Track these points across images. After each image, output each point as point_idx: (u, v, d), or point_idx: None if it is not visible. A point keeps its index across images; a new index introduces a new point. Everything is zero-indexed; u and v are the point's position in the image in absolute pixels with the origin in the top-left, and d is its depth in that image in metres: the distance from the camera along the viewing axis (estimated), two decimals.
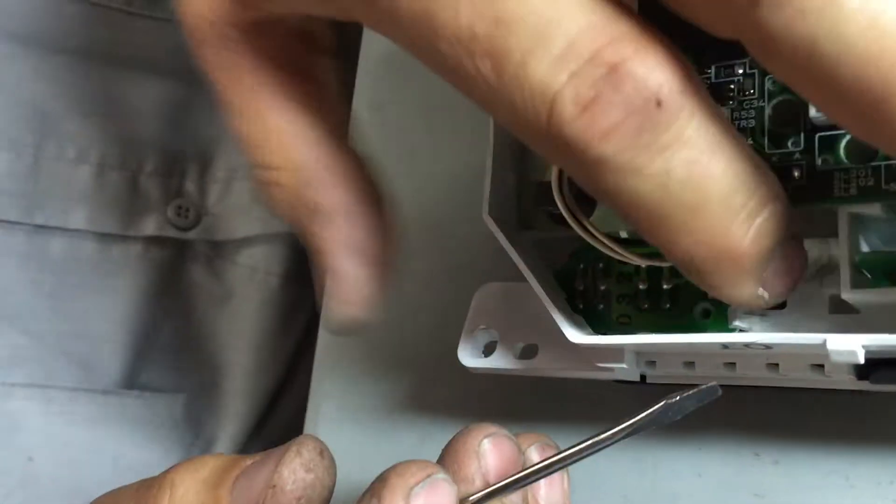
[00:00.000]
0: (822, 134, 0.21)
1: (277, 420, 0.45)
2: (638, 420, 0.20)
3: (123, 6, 0.42)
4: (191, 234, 0.43)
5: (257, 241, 0.45)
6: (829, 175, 0.21)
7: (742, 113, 0.22)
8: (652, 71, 0.17)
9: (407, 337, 0.34)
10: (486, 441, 0.21)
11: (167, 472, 0.22)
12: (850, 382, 0.22)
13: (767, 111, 0.22)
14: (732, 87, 0.23)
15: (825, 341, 0.20)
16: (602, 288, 0.25)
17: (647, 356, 0.24)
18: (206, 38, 0.23)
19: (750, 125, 0.22)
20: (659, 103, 0.17)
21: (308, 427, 0.35)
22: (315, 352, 0.36)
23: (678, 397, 0.20)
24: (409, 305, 0.34)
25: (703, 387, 0.20)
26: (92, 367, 0.40)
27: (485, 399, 0.32)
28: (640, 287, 0.24)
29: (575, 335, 0.24)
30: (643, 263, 0.23)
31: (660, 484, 0.27)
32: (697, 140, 0.18)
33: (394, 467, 0.20)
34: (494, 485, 0.21)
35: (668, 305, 0.24)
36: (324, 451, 0.22)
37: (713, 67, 0.23)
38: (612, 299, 0.25)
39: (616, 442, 0.20)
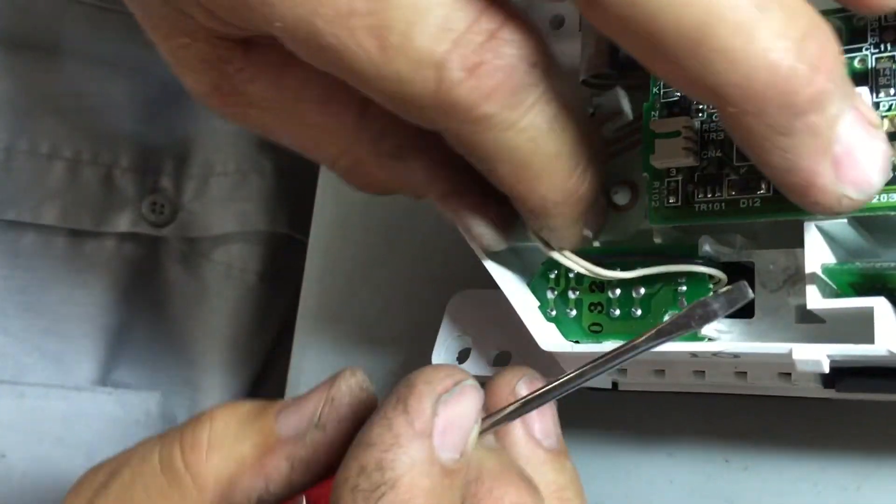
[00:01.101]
0: None
1: None
2: (665, 326, 0.20)
3: (96, 1, 0.42)
4: (165, 231, 0.43)
5: (233, 238, 0.45)
6: None
7: (712, 125, 0.23)
8: (525, 36, 0.20)
9: (384, 341, 0.34)
10: (520, 382, 0.23)
11: (202, 412, 0.22)
12: (817, 390, 0.23)
13: None
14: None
15: (791, 351, 0.21)
16: (574, 296, 0.26)
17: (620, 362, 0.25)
18: (226, 107, 0.24)
19: (719, 137, 0.23)
20: (533, 64, 0.20)
21: None
22: (291, 354, 0.37)
23: (705, 306, 0.19)
24: (386, 310, 0.35)
25: (731, 287, 0.19)
26: (65, 364, 0.40)
27: None
28: (611, 296, 0.25)
29: (546, 343, 0.25)
30: (608, 278, 0.24)
31: (633, 491, 0.28)
32: (558, 96, 0.20)
33: (421, 372, 0.20)
34: (503, 409, 0.21)
35: (639, 313, 0.24)
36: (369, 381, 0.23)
37: None
38: (583, 307, 0.26)
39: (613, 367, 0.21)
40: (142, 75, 0.43)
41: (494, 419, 0.21)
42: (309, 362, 0.36)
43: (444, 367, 0.20)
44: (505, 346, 0.28)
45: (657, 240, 0.24)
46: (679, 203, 0.23)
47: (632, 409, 0.28)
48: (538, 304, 0.26)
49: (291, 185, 0.46)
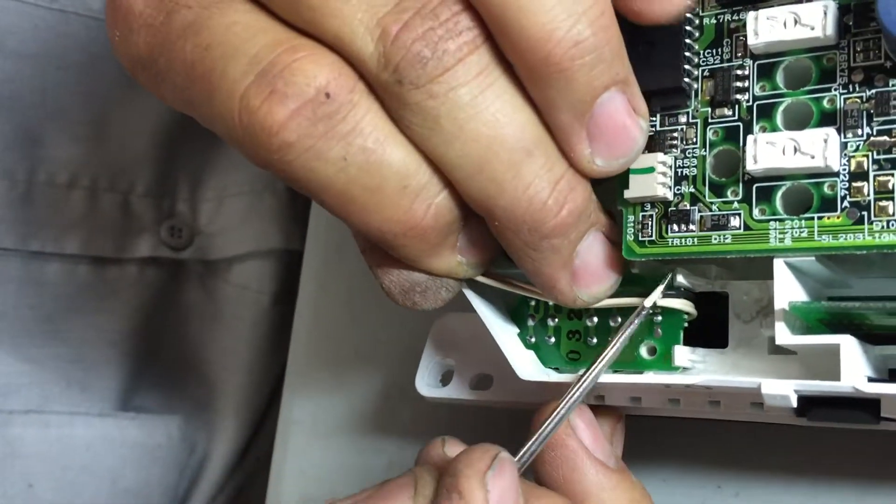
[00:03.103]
0: (760, 185, 0.22)
1: (267, 438, 0.46)
2: (628, 324, 0.24)
3: None
4: (184, 254, 0.45)
5: (249, 258, 0.46)
6: (765, 225, 0.22)
7: (685, 161, 0.24)
8: (320, 69, 0.21)
9: (377, 361, 0.35)
10: (573, 417, 0.24)
11: None
12: (789, 419, 0.23)
13: (709, 160, 0.23)
14: (676, 135, 0.24)
15: (760, 385, 0.22)
16: (553, 323, 0.26)
17: (595, 391, 0.26)
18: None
19: (692, 173, 0.24)
20: (328, 95, 0.21)
21: (277, 448, 0.37)
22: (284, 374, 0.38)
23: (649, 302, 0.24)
24: (375, 334, 0.36)
25: (667, 278, 0.23)
26: (89, 390, 0.42)
27: (449, 423, 0.33)
28: (589, 324, 0.26)
29: (524, 372, 0.26)
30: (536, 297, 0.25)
31: None
32: (372, 130, 0.21)
33: (460, 458, 0.22)
34: (530, 442, 0.23)
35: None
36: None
37: (658, 115, 0.24)
38: (562, 335, 0.26)
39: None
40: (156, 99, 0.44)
41: (520, 462, 0.23)
42: (302, 387, 0.38)
43: (478, 448, 0.22)
44: (487, 368, 0.28)
45: (633, 269, 0.25)
46: (653, 237, 0.24)
47: (627, 434, 0.29)
48: (518, 330, 0.27)
49: (304, 201, 0.47)
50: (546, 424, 0.23)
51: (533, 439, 0.23)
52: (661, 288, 0.24)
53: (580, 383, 0.24)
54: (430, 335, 0.29)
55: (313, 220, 0.39)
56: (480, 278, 0.25)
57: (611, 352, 0.24)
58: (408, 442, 0.34)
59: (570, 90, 0.21)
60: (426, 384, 0.29)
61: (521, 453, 0.23)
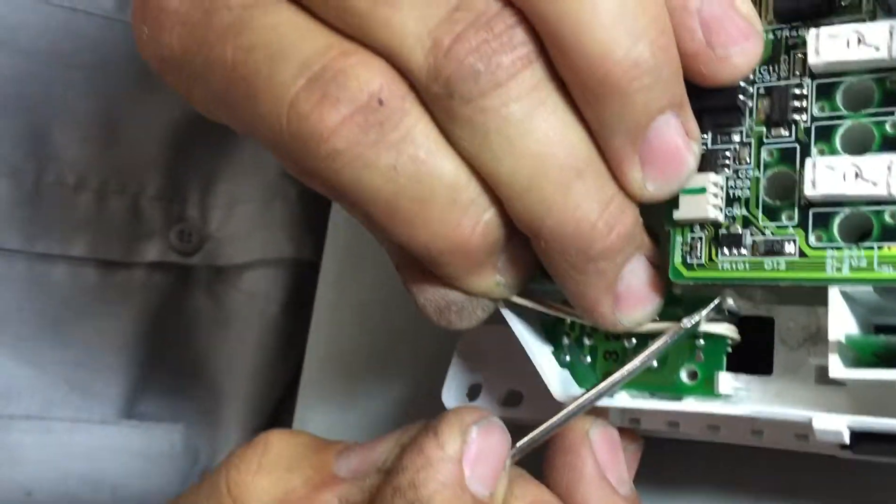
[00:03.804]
0: (817, 210, 0.22)
1: None
2: (663, 342, 0.23)
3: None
4: (193, 260, 0.44)
5: (258, 265, 0.45)
6: (821, 253, 0.21)
7: (737, 182, 0.23)
8: (374, 75, 0.20)
9: (395, 373, 0.35)
10: (593, 430, 0.24)
11: (259, 436, 0.22)
12: (834, 450, 0.22)
13: (763, 182, 0.23)
14: (728, 154, 0.23)
15: (811, 420, 0.21)
16: (588, 343, 0.26)
17: (631, 413, 0.25)
18: None
19: (745, 195, 0.23)
20: (381, 102, 0.20)
21: None
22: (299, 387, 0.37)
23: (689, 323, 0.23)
24: (393, 346, 0.35)
25: (714, 303, 0.23)
26: (92, 396, 0.41)
27: None
28: (627, 345, 0.25)
29: (560, 393, 0.25)
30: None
31: None
32: (424, 140, 0.21)
33: (451, 409, 0.21)
34: (537, 430, 0.23)
35: (655, 364, 0.24)
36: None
37: (709, 133, 0.23)
38: (598, 355, 0.26)
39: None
40: (171, 99, 0.43)
41: (521, 446, 0.22)
42: (317, 399, 0.37)
43: (472, 407, 0.21)
44: (517, 385, 0.28)
45: (676, 291, 0.24)
46: (702, 260, 0.23)
47: (659, 459, 0.28)
48: (552, 348, 0.26)
49: (316, 211, 0.46)
50: (557, 417, 0.23)
51: (539, 429, 0.23)
52: (707, 310, 0.23)
53: (604, 383, 0.23)
54: (457, 347, 0.28)
55: (331, 230, 0.38)
56: (517, 299, 0.24)
57: (641, 358, 0.23)
58: None
59: (625, 112, 0.21)
60: (453, 398, 0.28)
61: (523, 441, 0.22)
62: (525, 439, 0.22)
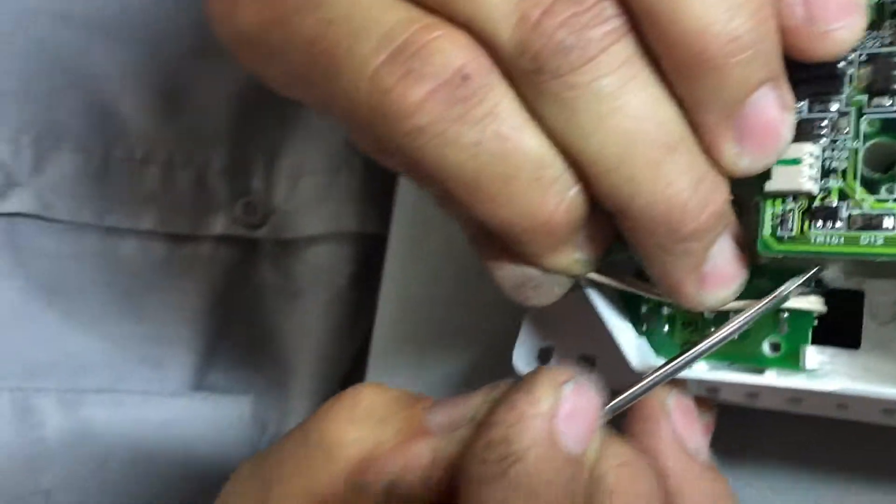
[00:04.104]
0: None
1: None
2: (762, 306, 0.22)
3: None
4: (259, 233, 0.44)
5: (325, 239, 0.45)
6: None
7: (834, 153, 0.22)
8: (459, 49, 0.20)
9: (465, 341, 0.34)
10: (670, 399, 0.23)
11: (350, 388, 0.22)
12: None
13: (861, 153, 0.21)
14: (825, 124, 0.22)
15: None
16: (666, 312, 0.25)
17: (709, 384, 0.24)
18: None
19: (842, 167, 0.22)
20: (465, 77, 0.20)
21: None
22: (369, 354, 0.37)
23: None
24: (466, 315, 0.34)
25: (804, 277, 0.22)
26: (162, 369, 0.41)
27: None
28: (707, 315, 0.24)
29: (638, 363, 0.24)
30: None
31: None
32: (508, 116, 0.20)
33: (541, 367, 0.21)
34: (631, 390, 0.22)
35: (735, 336, 0.24)
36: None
37: (805, 101, 0.22)
38: (676, 324, 0.25)
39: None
40: (238, 71, 0.43)
41: (611, 407, 0.22)
42: (388, 362, 0.37)
43: (562, 367, 0.21)
44: (589, 349, 0.27)
45: (761, 261, 0.23)
46: (793, 232, 0.22)
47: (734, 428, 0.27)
48: (629, 317, 0.26)
49: (382, 182, 0.46)
50: (644, 382, 0.22)
51: (627, 393, 0.22)
52: (798, 282, 0.22)
53: (689, 352, 0.22)
54: (528, 311, 0.28)
55: (399, 202, 0.38)
56: (595, 276, 0.24)
57: (727, 330, 0.22)
58: None
59: (722, 87, 0.20)
60: (524, 361, 0.28)
61: (613, 403, 0.22)
62: (615, 401, 0.22)
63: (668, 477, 0.22)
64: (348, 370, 0.46)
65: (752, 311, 0.22)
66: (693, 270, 0.22)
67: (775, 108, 0.21)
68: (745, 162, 0.21)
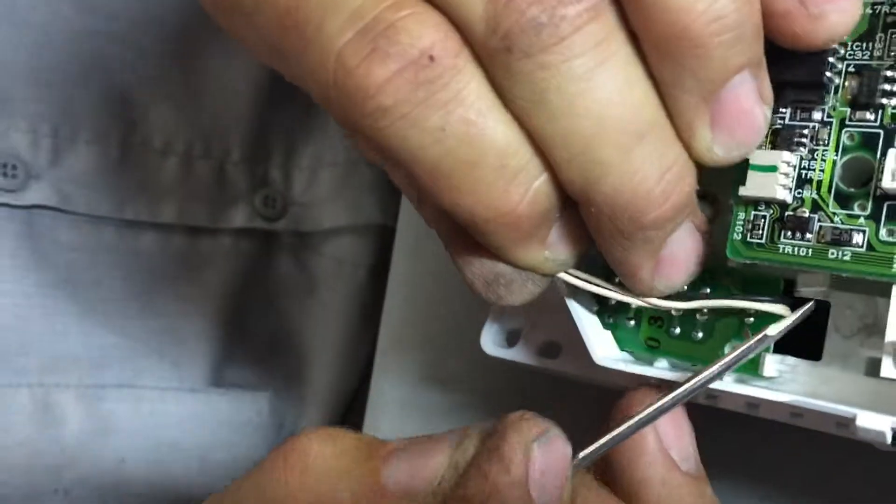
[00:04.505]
0: (892, 203, 0.22)
1: (358, 415, 0.48)
2: (745, 349, 0.23)
3: None
4: (278, 225, 0.46)
5: (344, 231, 0.48)
6: (891, 248, 0.22)
7: (811, 163, 0.23)
8: (426, 29, 0.20)
9: (468, 344, 0.36)
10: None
11: (290, 440, 0.22)
12: (876, 443, 0.23)
13: (838, 167, 0.23)
14: (806, 132, 0.24)
15: (855, 416, 0.22)
16: (634, 306, 0.27)
17: (670, 384, 0.26)
18: None
19: (818, 178, 0.23)
20: (431, 58, 0.20)
21: (367, 431, 0.38)
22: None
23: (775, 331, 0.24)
24: (469, 313, 0.36)
25: (804, 308, 0.24)
26: (181, 365, 0.44)
27: (557, 409, 0.34)
28: (674, 313, 0.26)
29: (601, 357, 0.26)
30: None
31: None
32: (475, 101, 0.21)
33: (507, 421, 0.21)
34: (603, 438, 0.23)
35: (699, 336, 0.26)
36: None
37: (788, 108, 0.24)
38: (643, 319, 0.27)
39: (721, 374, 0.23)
40: (254, 61, 0.45)
41: (588, 452, 0.23)
42: (393, 365, 0.39)
43: (528, 418, 0.22)
44: (556, 336, 0.29)
45: (730, 265, 0.25)
46: (763, 240, 0.24)
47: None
48: (597, 308, 0.27)
49: None
50: (624, 426, 0.23)
51: (606, 437, 0.23)
52: (798, 315, 0.24)
53: (673, 394, 0.23)
54: None
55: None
56: (565, 276, 0.25)
57: (714, 370, 0.23)
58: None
59: (702, 69, 0.21)
60: (492, 342, 0.30)
61: (585, 452, 0.23)
62: (587, 450, 0.23)
63: (653, 487, 0.24)
64: (367, 362, 0.48)
65: (742, 348, 0.24)
66: (650, 257, 0.23)
67: (752, 96, 0.22)
68: (718, 150, 0.22)
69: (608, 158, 0.21)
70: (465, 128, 0.21)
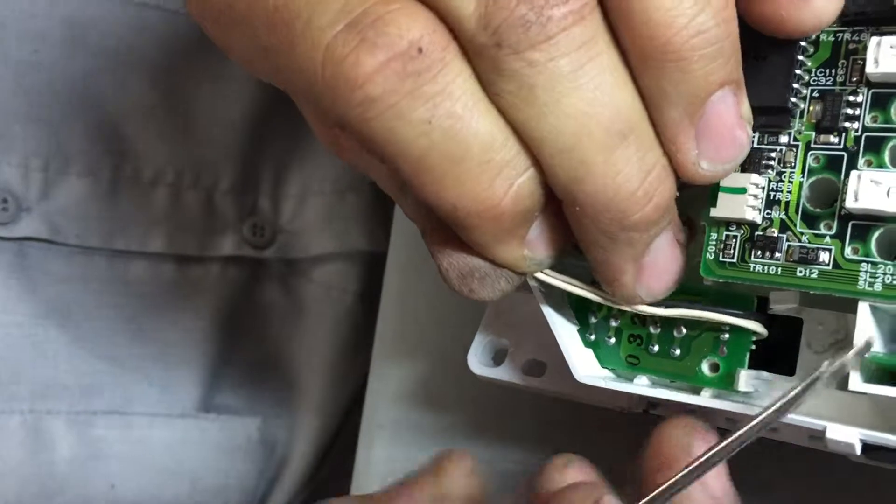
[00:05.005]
0: (856, 223, 0.23)
1: (348, 439, 0.48)
2: (795, 395, 0.22)
3: None
4: (266, 253, 0.47)
5: (332, 258, 0.48)
6: (856, 266, 0.23)
7: (779, 185, 0.24)
8: (415, 22, 0.21)
9: (460, 367, 0.36)
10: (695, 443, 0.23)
11: None
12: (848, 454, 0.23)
13: (805, 188, 0.24)
14: (773, 155, 0.24)
15: (825, 429, 0.22)
16: (614, 324, 0.27)
17: (649, 400, 0.27)
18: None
19: (785, 199, 0.24)
20: (420, 50, 0.20)
21: (360, 453, 0.38)
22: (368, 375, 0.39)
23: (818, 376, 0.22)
24: (462, 336, 0.37)
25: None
26: (170, 391, 0.44)
27: (541, 433, 0.34)
28: (652, 331, 0.27)
29: (582, 374, 0.27)
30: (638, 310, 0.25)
31: None
32: (462, 94, 0.21)
33: (564, 490, 0.22)
34: (660, 487, 0.22)
35: (677, 353, 0.26)
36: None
37: (756, 132, 0.24)
38: (623, 337, 0.27)
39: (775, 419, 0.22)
40: (246, 91, 0.46)
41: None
42: (387, 381, 0.39)
43: (582, 484, 0.22)
44: (541, 355, 0.29)
45: (706, 283, 0.25)
46: (734, 259, 0.24)
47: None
48: (578, 326, 0.28)
49: (388, 202, 0.48)
50: (681, 473, 0.21)
51: (664, 486, 0.21)
52: (853, 353, 0.23)
53: (733, 436, 0.21)
54: (487, 311, 0.30)
55: (397, 219, 0.40)
56: (541, 275, 0.25)
57: (781, 412, 0.22)
58: (498, 450, 0.35)
59: (684, 82, 0.21)
60: (478, 361, 0.30)
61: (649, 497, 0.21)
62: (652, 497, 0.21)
63: None
64: (356, 388, 0.49)
65: (799, 388, 0.22)
66: (633, 260, 0.23)
67: (734, 112, 0.22)
68: (704, 165, 0.23)
69: (591, 157, 0.21)
70: (452, 121, 0.21)
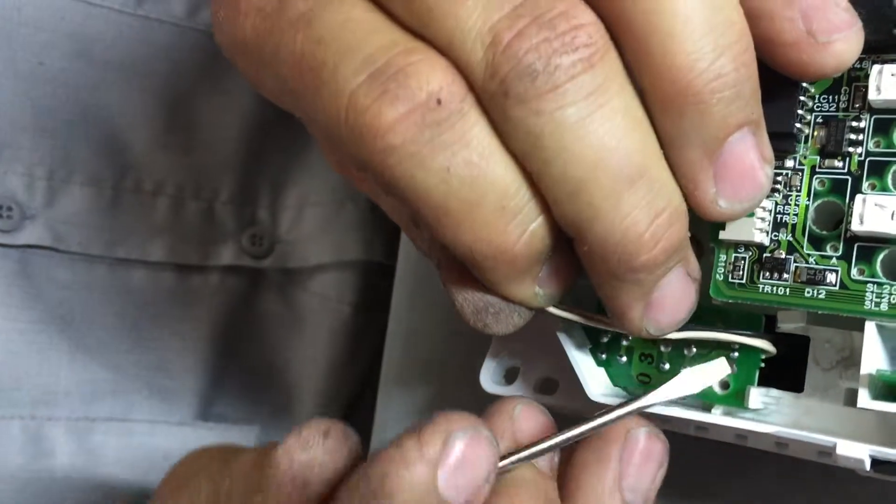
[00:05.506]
0: (862, 244, 0.23)
1: None
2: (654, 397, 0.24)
3: (208, 28, 0.45)
4: (265, 263, 0.47)
5: (330, 268, 0.48)
6: (862, 286, 0.23)
7: (786, 208, 0.25)
8: (435, 73, 0.21)
9: (470, 380, 0.37)
10: (519, 406, 0.25)
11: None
12: (856, 469, 0.24)
13: (811, 210, 0.24)
14: (780, 179, 0.25)
15: (835, 445, 0.23)
16: (626, 343, 0.28)
17: (662, 417, 0.27)
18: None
19: (792, 221, 0.24)
20: (439, 101, 0.21)
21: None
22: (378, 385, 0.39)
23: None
24: (473, 345, 0.37)
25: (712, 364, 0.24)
26: (170, 398, 0.44)
27: None
28: (663, 349, 0.27)
29: (596, 393, 0.27)
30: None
31: None
32: (478, 144, 0.22)
33: (441, 412, 0.22)
34: (527, 448, 0.23)
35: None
36: (330, 431, 0.25)
37: None
38: (634, 356, 0.28)
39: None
40: (246, 104, 0.46)
41: (518, 458, 0.23)
42: (396, 395, 0.39)
43: (463, 413, 0.22)
44: (553, 373, 0.30)
45: (715, 303, 0.26)
46: (744, 280, 0.25)
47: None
48: (590, 345, 0.28)
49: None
50: (560, 437, 0.24)
51: (536, 448, 0.24)
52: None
53: (617, 411, 0.24)
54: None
55: (405, 235, 0.40)
56: (553, 310, 0.26)
57: (658, 398, 0.24)
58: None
59: (703, 124, 0.22)
60: (491, 380, 0.30)
61: (521, 455, 0.23)
62: (524, 453, 0.24)
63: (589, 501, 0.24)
64: (353, 397, 0.49)
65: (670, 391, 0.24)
66: (640, 299, 0.23)
67: (753, 153, 0.22)
68: (723, 204, 0.23)
69: (598, 202, 0.22)
70: (469, 169, 0.22)
